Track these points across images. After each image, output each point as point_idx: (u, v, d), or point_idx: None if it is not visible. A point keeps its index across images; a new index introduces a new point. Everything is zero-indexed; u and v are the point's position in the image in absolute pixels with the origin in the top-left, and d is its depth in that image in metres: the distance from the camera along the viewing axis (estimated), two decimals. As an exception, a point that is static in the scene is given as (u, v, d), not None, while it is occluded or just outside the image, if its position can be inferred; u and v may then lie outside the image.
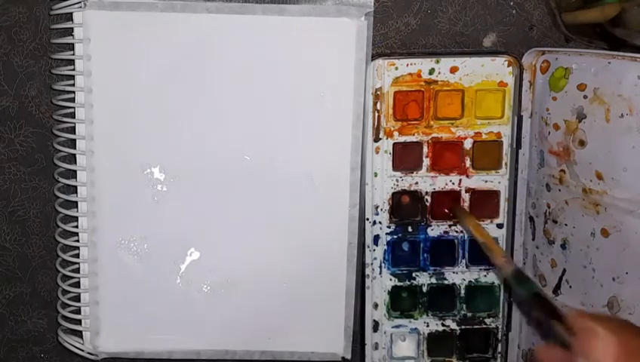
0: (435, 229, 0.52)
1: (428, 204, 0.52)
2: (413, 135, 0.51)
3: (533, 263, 0.52)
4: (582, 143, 0.46)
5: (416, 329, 0.53)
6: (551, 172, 0.49)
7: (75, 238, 0.51)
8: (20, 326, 0.55)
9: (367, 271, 0.52)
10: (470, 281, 0.53)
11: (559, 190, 0.49)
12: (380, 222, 0.52)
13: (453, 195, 0.51)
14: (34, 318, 0.54)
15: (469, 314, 0.53)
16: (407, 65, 0.50)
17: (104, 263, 0.51)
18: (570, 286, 0.48)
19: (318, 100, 0.50)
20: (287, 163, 0.51)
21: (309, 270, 0.52)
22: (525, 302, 0.41)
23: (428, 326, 0.53)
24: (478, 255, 0.52)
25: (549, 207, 0.50)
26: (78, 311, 0.52)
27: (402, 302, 0.53)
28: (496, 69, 0.50)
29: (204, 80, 0.50)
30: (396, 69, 0.49)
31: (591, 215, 0.46)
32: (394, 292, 0.53)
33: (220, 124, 0.50)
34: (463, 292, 0.53)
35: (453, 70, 0.50)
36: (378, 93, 0.50)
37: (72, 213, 0.51)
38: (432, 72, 0.50)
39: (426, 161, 0.51)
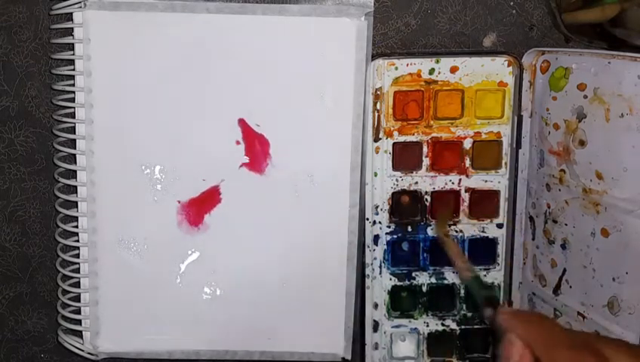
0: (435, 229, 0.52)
1: (428, 204, 0.52)
2: (413, 135, 0.51)
3: (533, 263, 0.52)
4: (582, 143, 0.46)
5: (416, 329, 0.53)
6: (551, 172, 0.49)
7: (75, 238, 0.51)
8: (20, 326, 0.55)
9: (367, 271, 0.52)
10: (470, 281, 0.53)
11: (559, 190, 0.49)
12: (379, 222, 0.52)
13: (453, 195, 0.51)
14: (34, 318, 0.54)
15: (469, 314, 0.53)
16: (407, 65, 0.50)
17: (104, 263, 0.51)
18: (570, 286, 0.48)
19: (318, 100, 0.50)
20: (287, 163, 0.51)
21: (309, 270, 0.52)
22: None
23: (428, 326, 0.53)
24: (478, 255, 0.52)
25: (549, 207, 0.50)
26: (78, 311, 0.52)
27: (402, 302, 0.53)
28: (496, 69, 0.50)
29: (204, 80, 0.50)
30: (396, 69, 0.49)
31: (591, 215, 0.46)
32: (394, 292, 0.53)
33: (220, 124, 0.50)
34: (463, 292, 0.53)
35: (453, 70, 0.50)
36: (378, 93, 0.50)
37: (72, 213, 0.51)
38: (432, 71, 0.50)
39: (426, 161, 0.51)
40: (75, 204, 0.51)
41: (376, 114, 0.50)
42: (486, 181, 0.52)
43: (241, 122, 0.50)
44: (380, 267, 0.52)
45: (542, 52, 0.50)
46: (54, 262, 0.52)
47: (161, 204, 0.51)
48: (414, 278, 0.53)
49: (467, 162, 0.51)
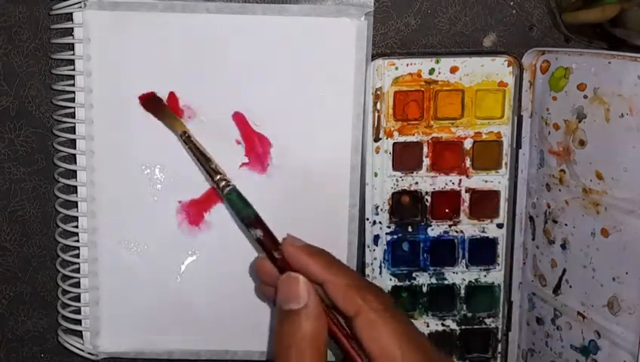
0: (435, 229, 0.52)
1: (428, 204, 0.52)
2: (413, 135, 0.51)
3: (533, 263, 0.52)
4: (582, 143, 0.46)
5: (416, 329, 0.53)
6: (551, 172, 0.49)
7: (75, 238, 0.51)
8: (19, 326, 0.55)
9: (367, 271, 0.52)
10: (470, 281, 0.53)
11: (559, 190, 0.49)
12: (380, 222, 0.52)
13: (453, 195, 0.51)
14: (34, 318, 0.54)
15: (469, 314, 0.53)
16: (407, 65, 0.50)
17: (104, 263, 0.51)
18: (570, 286, 0.48)
19: (318, 100, 0.50)
20: (287, 163, 0.51)
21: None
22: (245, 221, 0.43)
23: (428, 326, 0.53)
24: (478, 255, 0.52)
25: (549, 207, 0.50)
26: (78, 311, 0.52)
27: (402, 302, 0.53)
28: (496, 69, 0.50)
29: (203, 80, 0.50)
30: (396, 69, 0.50)
31: (591, 215, 0.46)
32: (394, 293, 0.53)
33: (220, 123, 0.50)
34: (463, 292, 0.53)
35: (453, 70, 0.50)
36: (378, 93, 0.50)
37: (72, 213, 0.51)
38: (432, 72, 0.50)
39: (426, 161, 0.51)
40: (75, 204, 0.51)
41: (377, 114, 0.50)
42: (486, 181, 0.52)
43: (241, 122, 0.50)
44: (380, 267, 0.52)
45: (542, 52, 0.50)
46: (54, 262, 0.52)
47: (162, 204, 0.51)
48: (414, 279, 0.53)
49: (467, 162, 0.51)
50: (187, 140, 0.47)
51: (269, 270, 0.41)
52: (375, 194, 0.51)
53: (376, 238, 0.52)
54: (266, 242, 0.42)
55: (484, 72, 0.50)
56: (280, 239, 0.42)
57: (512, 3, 0.51)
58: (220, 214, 0.51)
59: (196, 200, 0.51)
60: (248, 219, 0.43)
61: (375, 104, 0.50)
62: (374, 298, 0.38)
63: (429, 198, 0.52)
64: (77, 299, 0.52)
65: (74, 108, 0.50)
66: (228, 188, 0.44)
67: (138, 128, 0.50)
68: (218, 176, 0.45)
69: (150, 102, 0.49)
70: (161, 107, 0.49)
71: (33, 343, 0.55)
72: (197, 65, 0.49)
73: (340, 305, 0.38)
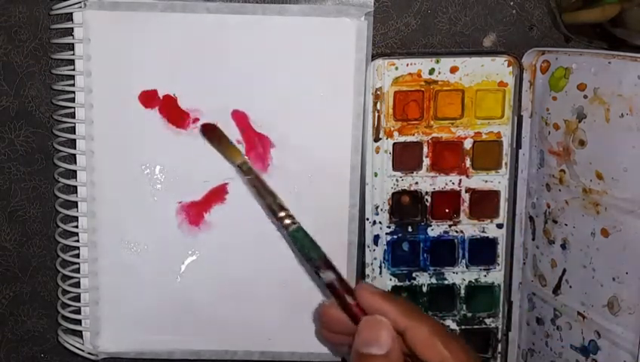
0: (435, 229, 0.52)
1: (428, 204, 0.52)
2: (413, 135, 0.51)
3: (533, 263, 0.52)
4: (582, 143, 0.46)
5: (416, 329, 0.53)
6: (551, 172, 0.49)
7: (75, 238, 0.51)
8: (20, 326, 0.55)
9: (367, 271, 0.52)
10: (470, 281, 0.53)
11: (559, 190, 0.49)
12: (380, 222, 0.52)
13: (453, 195, 0.51)
14: (34, 318, 0.54)
15: (469, 314, 0.53)
16: (407, 65, 0.50)
17: (104, 263, 0.51)
18: (570, 286, 0.48)
19: (318, 100, 0.50)
20: (287, 163, 0.51)
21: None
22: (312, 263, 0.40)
23: (428, 326, 0.53)
24: (478, 255, 0.52)
25: (549, 207, 0.50)
26: (78, 311, 0.52)
27: (402, 302, 0.53)
28: (496, 69, 0.50)
29: (203, 80, 0.50)
30: (396, 69, 0.50)
31: (591, 215, 0.46)
32: (394, 293, 0.53)
33: (220, 123, 0.50)
34: (463, 292, 0.53)
35: (453, 70, 0.50)
36: (378, 93, 0.50)
37: (72, 213, 0.51)
38: (432, 71, 0.50)
39: (426, 161, 0.51)
40: (75, 204, 0.51)
41: (377, 114, 0.50)
42: (486, 181, 0.52)
43: (242, 121, 0.50)
44: (380, 267, 0.52)
45: (542, 52, 0.50)
46: (54, 262, 0.52)
47: (162, 204, 0.51)
48: (414, 278, 0.53)
49: (467, 162, 0.51)
50: (248, 172, 0.45)
51: (336, 316, 0.39)
52: (375, 194, 0.51)
53: (376, 238, 0.52)
54: (339, 286, 0.39)
55: (484, 72, 0.50)
56: None
57: (512, 3, 0.51)
58: (220, 214, 0.51)
59: (198, 200, 0.51)
60: (317, 261, 0.40)
61: (375, 104, 0.50)
62: (459, 348, 0.37)
63: (429, 198, 0.52)
64: (77, 299, 0.52)
65: (74, 108, 0.50)
66: (294, 226, 0.41)
67: (138, 128, 0.50)
68: (282, 213, 0.42)
69: (211, 132, 0.49)
70: (221, 136, 0.48)
71: (33, 343, 0.55)
72: (197, 65, 0.49)
73: (423, 354, 0.36)
